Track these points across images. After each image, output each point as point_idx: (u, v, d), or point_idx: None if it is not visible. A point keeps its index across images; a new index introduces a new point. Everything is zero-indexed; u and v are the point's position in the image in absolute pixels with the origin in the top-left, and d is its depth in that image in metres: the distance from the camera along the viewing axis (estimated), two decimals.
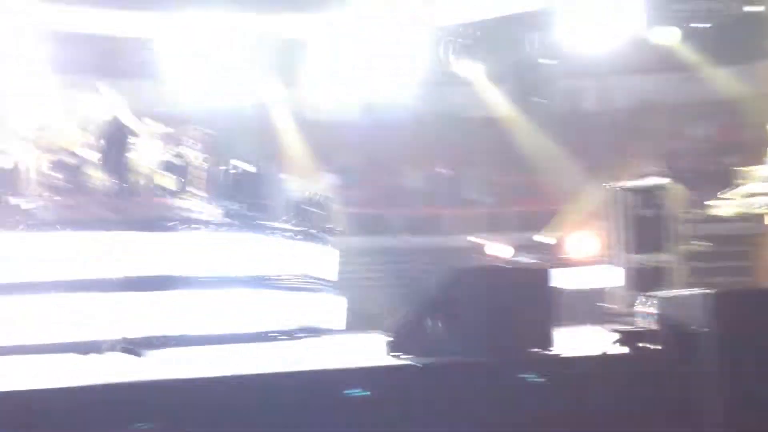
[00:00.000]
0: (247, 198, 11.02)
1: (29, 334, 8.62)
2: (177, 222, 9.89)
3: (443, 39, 18.44)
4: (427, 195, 19.03)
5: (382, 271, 16.33)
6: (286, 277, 10.19)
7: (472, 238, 15.63)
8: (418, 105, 21.12)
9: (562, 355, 6.29)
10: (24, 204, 9.67)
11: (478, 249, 15.52)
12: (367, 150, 19.18)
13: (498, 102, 19.68)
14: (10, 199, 9.74)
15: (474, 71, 19.24)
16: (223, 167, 11.47)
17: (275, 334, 9.69)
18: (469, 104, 20.64)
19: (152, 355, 7.48)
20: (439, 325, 6.30)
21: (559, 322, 6.62)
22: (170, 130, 11.11)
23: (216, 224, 10.14)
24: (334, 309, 11.10)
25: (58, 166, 9.91)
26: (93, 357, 6.97)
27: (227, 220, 10.38)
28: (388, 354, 6.49)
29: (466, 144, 19.80)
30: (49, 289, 8.73)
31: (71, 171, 9.94)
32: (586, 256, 14.70)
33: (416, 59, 17.97)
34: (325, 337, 10.42)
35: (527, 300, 6.41)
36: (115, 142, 9.70)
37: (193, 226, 9.83)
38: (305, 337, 10.08)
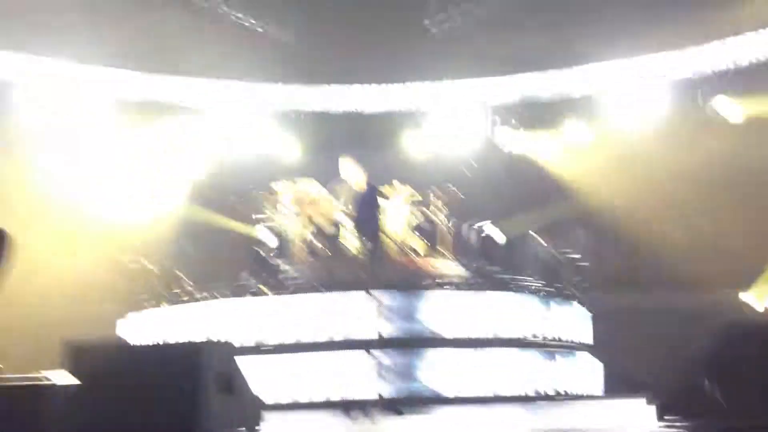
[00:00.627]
0: (496, 257, 10.93)
1: (295, 391, 8.98)
2: (428, 282, 10.01)
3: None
4: (686, 249, 17.79)
5: (641, 331, 15.36)
6: (541, 338, 9.85)
7: (744, 295, 14.17)
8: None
9: None
10: (292, 270, 10.30)
11: (750, 307, 14.10)
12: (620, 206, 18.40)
13: None
14: (281, 265, 10.42)
15: None
16: (471, 227, 11.49)
17: (533, 397, 9.34)
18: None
19: (413, 415, 7.46)
20: (716, 386, 5.65)
21: None
22: (417, 194, 11.39)
23: (467, 284, 10.11)
24: (590, 372, 10.54)
25: (318, 234, 10.46)
26: (357, 415, 7.06)
27: (477, 279, 10.32)
28: (658, 419, 5.93)
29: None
30: (311, 348, 9.09)
31: (329, 238, 10.45)
32: None
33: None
34: (586, 402, 9.89)
35: None
36: (367, 208, 10.02)
37: (445, 286, 9.87)
38: (563, 400, 9.63)
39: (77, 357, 4.43)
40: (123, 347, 5.32)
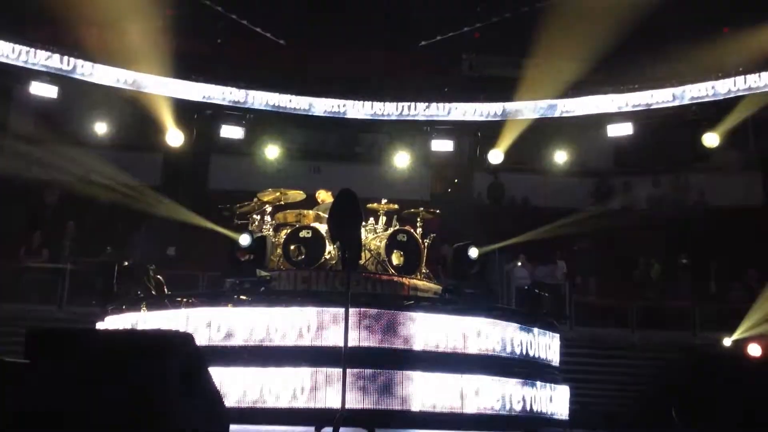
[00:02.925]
0: (473, 279, 10.94)
1: (263, 400, 8.93)
2: (405, 299, 10.01)
3: None
4: (667, 287, 17.88)
5: (614, 365, 15.41)
6: (512, 360, 9.85)
7: (727, 340, 14.13)
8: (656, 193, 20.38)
9: None
10: (269, 276, 10.27)
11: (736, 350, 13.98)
12: (602, 238, 18.52)
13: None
14: (260, 272, 10.38)
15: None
16: (452, 249, 11.51)
17: (500, 419, 9.32)
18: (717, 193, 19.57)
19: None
20: (679, 416, 5.69)
21: None
22: (400, 210, 11.44)
23: (443, 303, 10.11)
24: (558, 396, 10.55)
25: (295, 240, 10.45)
26: (324, 428, 7.02)
27: (454, 300, 10.33)
28: None
29: (710, 234, 18.55)
30: (284, 358, 9.04)
31: (310, 248, 10.44)
32: None
33: None
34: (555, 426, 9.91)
35: None
36: (347, 219, 10.03)
37: (422, 303, 9.87)
38: (529, 422, 9.63)
39: (33, 341, 4.43)
40: (80, 332, 5.27)
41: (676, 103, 18.08)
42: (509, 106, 18.95)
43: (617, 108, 18.44)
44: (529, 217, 18.88)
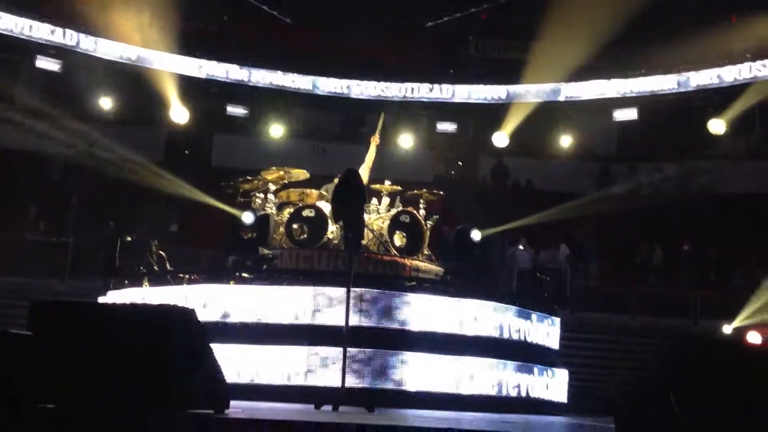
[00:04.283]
0: (475, 262, 10.97)
1: (263, 377, 8.98)
2: (406, 280, 10.04)
3: None
4: (669, 274, 17.91)
5: (613, 351, 15.46)
6: (510, 343, 9.89)
7: (727, 327, 14.17)
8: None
9: None
10: (271, 254, 10.30)
11: (737, 338, 14.01)
12: (605, 223, 18.52)
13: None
14: (262, 250, 10.41)
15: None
16: (454, 231, 11.52)
17: (496, 402, 9.38)
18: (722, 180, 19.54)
19: (382, 411, 7.45)
20: (678, 403, 5.70)
21: None
22: (403, 191, 11.43)
23: (443, 286, 10.14)
24: (556, 380, 10.60)
25: (298, 219, 10.46)
26: (324, 405, 7.06)
27: (455, 282, 10.35)
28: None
29: (713, 221, 18.53)
30: (284, 336, 9.09)
31: (313, 227, 10.43)
32: None
33: None
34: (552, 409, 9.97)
35: None
36: (351, 199, 10.04)
37: (424, 285, 9.90)
38: (526, 405, 9.70)
39: (37, 313, 4.46)
40: (83, 305, 5.29)
41: (682, 89, 18.03)
42: (514, 89, 18.89)
43: (622, 93, 18.38)
44: (533, 201, 18.86)
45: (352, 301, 8.81)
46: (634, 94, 18.30)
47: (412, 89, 19.22)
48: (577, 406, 11.29)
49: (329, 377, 8.70)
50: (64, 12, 17.66)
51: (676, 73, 17.95)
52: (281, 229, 10.69)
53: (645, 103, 18.45)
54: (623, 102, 18.59)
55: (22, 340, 4.29)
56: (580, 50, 17.72)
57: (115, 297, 10.57)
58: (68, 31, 17.43)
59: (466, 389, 9.26)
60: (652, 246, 18.15)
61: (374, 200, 11.29)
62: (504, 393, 9.59)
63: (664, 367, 6.18)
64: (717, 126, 18.03)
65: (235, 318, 9.25)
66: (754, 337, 13.09)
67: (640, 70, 18.24)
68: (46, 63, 17.46)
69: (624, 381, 13.36)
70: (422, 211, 11.15)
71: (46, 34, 17.28)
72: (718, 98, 17.83)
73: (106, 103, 19.53)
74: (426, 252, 11.09)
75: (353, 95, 19.12)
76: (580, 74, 18.38)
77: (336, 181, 8.40)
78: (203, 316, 9.02)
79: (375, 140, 11.68)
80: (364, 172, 10.83)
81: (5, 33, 16.95)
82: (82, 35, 17.52)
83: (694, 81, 17.86)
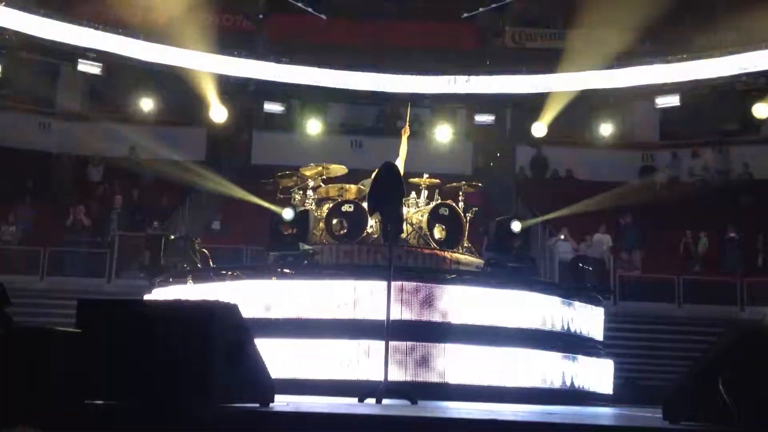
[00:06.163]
0: (516, 253, 10.89)
1: (306, 371, 9.03)
2: (447, 273, 10.02)
3: None
4: (713, 261, 17.60)
5: (658, 340, 15.26)
6: (553, 334, 9.81)
7: None
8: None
9: None
10: (312, 250, 10.36)
11: None
12: (648, 211, 18.26)
13: None
14: (303, 245, 10.47)
15: None
16: (494, 222, 11.46)
17: (540, 393, 9.32)
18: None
19: (426, 403, 7.45)
20: (726, 390, 5.59)
21: None
22: (442, 184, 11.40)
23: (485, 277, 10.09)
24: (601, 370, 10.49)
25: (337, 215, 10.50)
26: (368, 398, 7.08)
27: (496, 273, 10.30)
28: (664, 419, 5.89)
29: (758, 207, 18.19)
30: (327, 330, 9.13)
31: (352, 222, 10.46)
32: None
33: None
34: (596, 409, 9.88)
35: None
36: (389, 192, 10.04)
37: (465, 277, 9.86)
38: (571, 396, 9.61)
39: (84, 311, 4.54)
40: (129, 303, 5.37)
41: (725, 73, 17.64)
42: (552, 78, 18.70)
43: (664, 79, 18.07)
44: (573, 191, 18.68)
45: (393, 294, 8.84)
46: (677, 79, 17.94)
47: (449, 81, 19.13)
48: (622, 397, 11.17)
49: (371, 370, 8.72)
50: (102, 15, 17.92)
51: (719, 56, 17.57)
52: (321, 224, 10.74)
53: (687, 88, 18.11)
54: (664, 88, 18.26)
55: (71, 338, 4.38)
56: (619, 36, 17.48)
57: (160, 295, 10.72)
58: (110, 35, 17.67)
59: (509, 381, 9.22)
60: (697, 233, 17.84)
61: (413, 194, 11.28)
62: (548, 384, 9.52)
63: (712, 355, 6.08)
64: (762, 110, 17.64)
65: (277, 313, 9.32)
66: None
67: (681, 54, 17.90)
68: (87, 67, 17.72)
69: (670, 370, 13.18)
70: (461, 204, 11.12)
71: (88, 37, 17.54)
72: (763, 81, 17.42)
73: (147, 104, 19.80)
74: (466, 244, 11.06)
75: (389, 89, 19.10)
76: (620, 61, 18.10)
77: (374, 175, 8.39)
78: (246, 311, 9.10)
79: (405, 131, 11.69)
80: (400, 164, 10.83)
81: (46, 38, 17.24)
82: (123, 38, 17.76)
83: (738, 64, 17.48)
